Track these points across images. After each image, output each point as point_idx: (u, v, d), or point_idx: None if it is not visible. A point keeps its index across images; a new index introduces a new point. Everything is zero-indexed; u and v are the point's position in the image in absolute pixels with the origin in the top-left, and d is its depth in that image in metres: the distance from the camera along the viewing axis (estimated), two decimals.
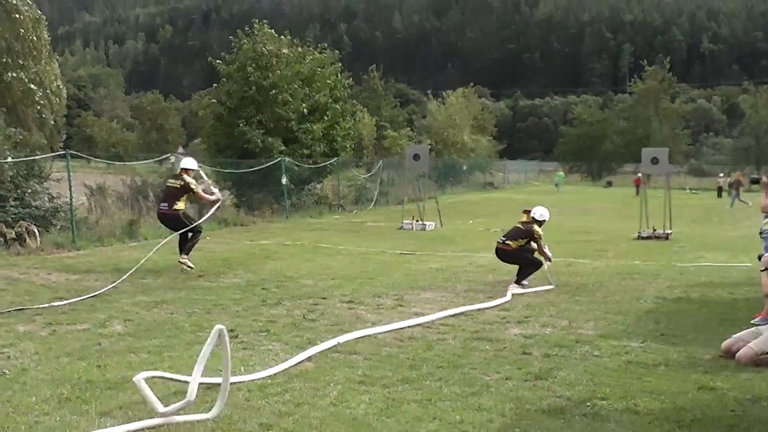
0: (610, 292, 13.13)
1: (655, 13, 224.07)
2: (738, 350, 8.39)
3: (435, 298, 12.22)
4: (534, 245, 13.62)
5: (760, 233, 11.16)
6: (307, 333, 9.57)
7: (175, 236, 14.98)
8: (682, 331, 9.94)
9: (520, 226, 13.79)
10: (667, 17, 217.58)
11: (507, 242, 13.67)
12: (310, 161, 30.62)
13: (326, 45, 35.06)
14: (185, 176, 14.69)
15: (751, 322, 10.15)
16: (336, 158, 32.25)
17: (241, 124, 29.54)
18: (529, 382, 7.55)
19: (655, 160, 22.85)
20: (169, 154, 28.24)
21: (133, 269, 13.87)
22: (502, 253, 13.70)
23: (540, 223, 13.79)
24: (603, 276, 15.04)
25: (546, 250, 13.73)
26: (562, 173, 65.42)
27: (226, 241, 18.48)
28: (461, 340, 9.32)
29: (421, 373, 7.78)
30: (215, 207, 15.86)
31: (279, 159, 28.15)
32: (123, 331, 9.61)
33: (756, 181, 11.73)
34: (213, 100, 31.63)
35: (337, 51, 34.88)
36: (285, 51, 31.41)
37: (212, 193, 15.51)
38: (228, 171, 28.28)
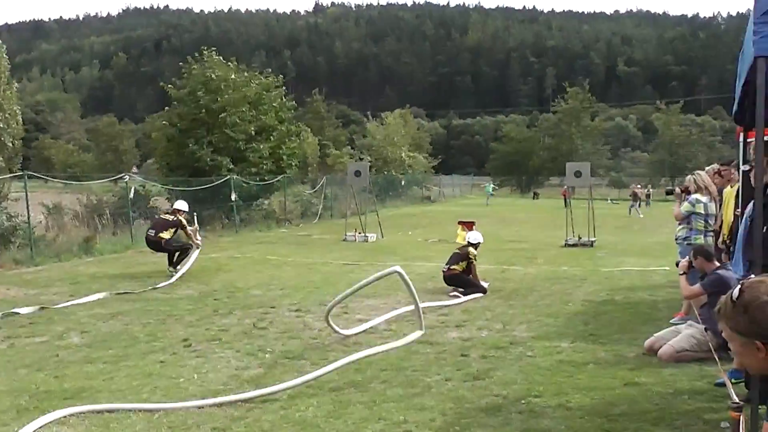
0: (541, 296, 13.19)
1: (574, 39, 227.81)
2: (660, 348, 8.45)
3: (378, 305, 12.14)
4: (473, 267, 13.69)
5: (675, 239, 11.32)
6: (258, 341, 9.43)
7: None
8: (608, 331, 10.00)
9: (458, 251, 14.04)
10: (586, 43, 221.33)
11: (452, 267, 13.71)
12: (258, 178, 30.39)
13: (271, 70, 34.91)
14: (179, 215, 16.44)
15: (671, 321, 10.28)
16: (282, 175, 32.05)
17: (191, 145, 29.23)
18: (468, 382, 7.51)
19: (578, 174, 23.09)
20: (123, 174, 27.78)
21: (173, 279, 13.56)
22: (450, 279, 13.65)
23: (475, 246, 13.98)
24: (534, 281, 15.11)
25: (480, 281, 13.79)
26: (490, 186, 65.77)
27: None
28: (404, 344, 9.24)
29: (367, 376, 7.70)
30: (196, 252, 16.51)
31: (228, 177, 27.88)
32: (80, 343, 9.37)
33: (670, 192, 11.92)
34: (165, 123, 31.23)
35: (281, 76, 34.67)
36: (233, 76, 31.20)
37: (196, 238, 16.81)
38: (180, 189, 27.93)
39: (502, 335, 9.82)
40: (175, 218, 16.44)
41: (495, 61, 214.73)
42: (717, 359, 7.52)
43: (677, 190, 11.73)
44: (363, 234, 25.02)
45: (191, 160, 29.42)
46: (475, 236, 14.32)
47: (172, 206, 17.24)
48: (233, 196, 27.74)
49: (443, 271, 13.89)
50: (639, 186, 54.00)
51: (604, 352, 8.80)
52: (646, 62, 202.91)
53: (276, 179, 31.52)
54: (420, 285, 14.51)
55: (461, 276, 13.56)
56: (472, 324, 10.59)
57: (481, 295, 13.15)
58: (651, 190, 60.95)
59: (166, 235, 16.12)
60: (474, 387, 7.33)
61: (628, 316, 11.03)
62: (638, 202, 44.24)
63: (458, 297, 12.91)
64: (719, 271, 8.45)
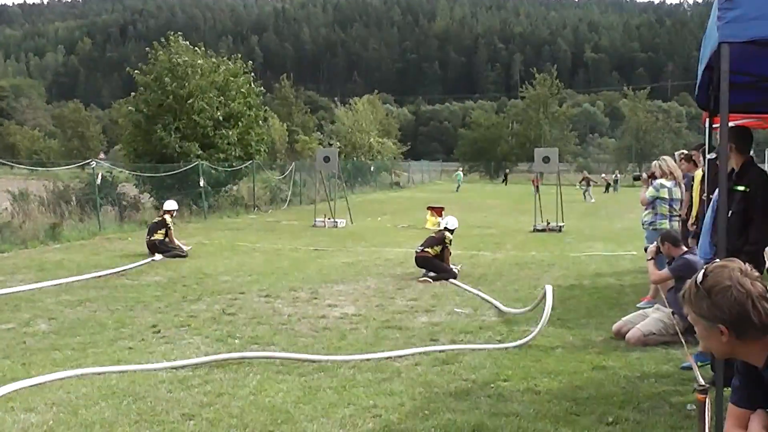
0: (509, 281, 13.26)
1: (542, 25, 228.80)
2: (627, 332, 8.53)
3: (347, 291, 12.13)
4: (446, 252, 13.76)
5: (642, 224, 11.46)
6: (227, 327, 9.39)
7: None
8: (576, 315, 10.08)
9: (434, 235, 14.16)
10: (553, 29, 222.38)
11: (426, 249, 13.73)
12: (226, 165, 30.20)
13: (239, 56, 34.64)
14: (166, 215, 17.14)
15: (637, 306, 10.38)
16: (251, 161, 31.88)
17: (159, 131, 28.94)
18: (437, 367, 7.53)
19: (546, 159, 23.20)
20: (90, 160, 27.47)
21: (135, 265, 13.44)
22: (422, 260, 13.65)
23: (451, 231, 14.11)
24: (502, 266, 15.19)
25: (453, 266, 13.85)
26: (461, 173, 65.98)
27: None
28: (373, 329, 9.26)
29: (336, 362, 7.69)
30: (176, 252, 16.72)
31: (196, 163, 27.68)
32: (47, 330, 9.27)
33: (638, 178, 12.04)
34: (132, 109, 30.85)
35: (249, 62, 34.42)
36: (200, 62, 30.92)
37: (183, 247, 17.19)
38: (147, 175, 27.72)
39: (471, 320, 9.86)
40: (162, 218, 17.13)
41: (463, 47, 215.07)
42: (683, 343, 7.60)
43: (644, 175, 11.86)
44: (333, 220, 24.98)
45: (159, 147, 29.17)
46: (452, 221, 14.43)
47: (162, 208, 18.15)
48: (201, 183, 27.57)
49: (416, 252, 13.91)
50: (584, 172, 54.33)
51: (571, 336, 8.86)
52: (612, 49, 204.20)
53: (244, 165, 31.35)
54: (389, 270, 14.55)
55: (433, 260, 13.59)
56: (441, 309, 10.62)
57: (452, 280, 13.19)
58: (618, 175, 61.38)
59: (158, 236, 16.65)
60: (443, 371, 7.36)
61: (596, 301, 11.12)
62: (590, 187, 44.63)
63: (428, 282, 12.97)
64: (686, 256, 8.53)
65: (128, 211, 26.22)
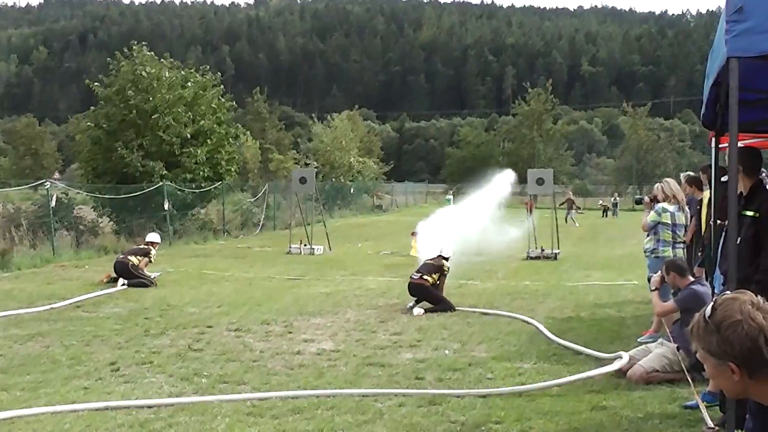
0: (501, 312, 13.24)
1: (535, 36, 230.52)
2: (629, 369, 8.51)
3: (325, 324, 12.08)
4: (443, 281, 13.89)
5: (644, 252, 11.47)
6: (193, 364, 9.32)
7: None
8: (574, 351, 10.05)
9: (431, 262, 14.11)
10: (548, 40, 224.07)
11: (424, 276, 13.71)
12: (194, 186, 30.14)
13: (208, 67, 34.65)
14: (151, 248, 17.58)
15: (639, 339, 10.39)
16: (220, 182, 31.85)
17: (120, 148, 28.86)
18: (423, 407, 7.49)
19: (540, 181, 23.31)
20: (44, 180, 27.35)
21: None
22: (418, 289, 13.60)
23: (446, 259, 14.15)
24: (493, 297, 15.17)
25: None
26: (451, 197, 66.01)
27: (106, 269, 17.95)
28: (353, 366, 9.22)
29: (312, 401, 7.64)
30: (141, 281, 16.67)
31: (161, 183, 27.60)
32: None
33: (639, 202, 12.09)
34: (91, 124, 30.78)
35: (219, 73, 34.46)
36: (166, 74, 30.91)
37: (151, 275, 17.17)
38: (107, 197, 27.58)
39: (460, 356, 9.83)
40: (147, 247, 17.61)
41: (451, 59, 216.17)
42: (690, 380, 7.60)
43: (646, 198, 11.88)
44: (309, 246, 24.93)
45: (120, 165, 29.07)
46: (446, 249, 14.40)
47: (146, 240, 18.38)
48: (166, 205, 27.46)
49: (412, 278, 13.85)
50: (569, 193, 54.48)
51: (568, 373, 8.84)
52: (611, 62, 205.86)
53: (213, 186, 31.30)
54: (371, 301, 14.52)
55: (430, 289, 13.59)
56: (427, 344, 10.59)
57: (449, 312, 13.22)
58: (618, 198, 61.63)
59: (134, 260, 16.83)
60: (429, 413, 7.32)
61: (595, 334, 11.12)
62: (572, 210, 44.78)
63: (420, 314, 12.95)
64: (693, 287, 8.56)
65: (85, 237, 26.09)
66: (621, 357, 8.88)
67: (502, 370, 8.99)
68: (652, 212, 11.13)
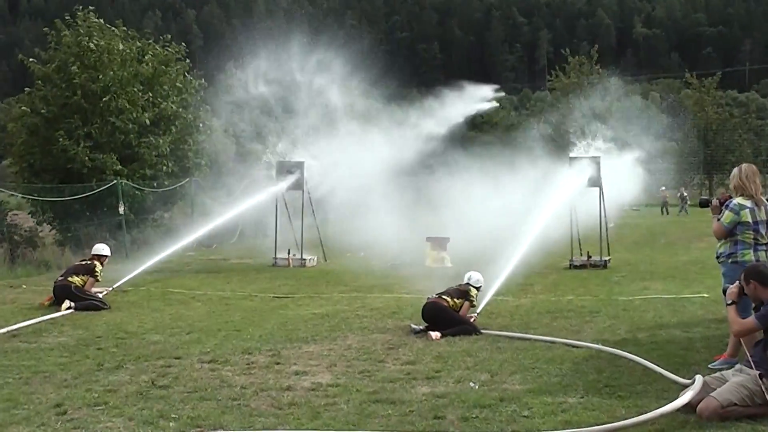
0: (539, 335, 13.23)
1: None
2: (699, 402, 8.47)
3: (321, 352, 12.08)
4: (465, 307, 13.96)
5: (717, 257, 11.34)
6: (158, 404, 9.31)
7: None
8: (629, 380, 10.04)
9: (457, 287, 14.32)
10: None
11: (444, 297, 13.87)
12: (155, 184, 30.17)
13: (170, 37, 34.67)
14: (96, 260, 17.71)
15: (710, 366, 10.36)
16: (188, 179, 31.87)
17: (62, 139, 28.86)
18: None
19: (585, 170, 23.32)
20: None
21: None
22: (434, 310, 13.68)
23: (477, 288, 14.40)
24: (529, 316, 15.16)
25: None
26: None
27: (48, 290, 17.96)
28: (356, 404, 9.21)
29: None
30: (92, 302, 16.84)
31: (114, 182, 27.62)
32: None
33: (706, 204, 11.97)
34: (25, 109, 30.85)
35: (183, 44, 34.49)
36: (120, 46, 30.91)
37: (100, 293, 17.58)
38: (47, 199, 27.58)
39: (489, 389, 9.82)
40: (91, 263, 17.68)
41: (470, 22, 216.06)
42: None
43: (714, 201, 11.67)
44: (299, 257, 24.95)
45: (63, 161, 29.09)
46: (476, 277, 14.58)
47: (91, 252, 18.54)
48: (121, 209, 27.49)
49: (428, 299, 13.97)
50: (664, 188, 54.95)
51: (624, 409, 8.82)
52: (671, 22, 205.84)
53: (179, 184, 31.33)
54: (376, 323, 14.54)
55: (448, 310, 13.68)
56: (448, 375, 10.58)
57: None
58: (684, 192, 61.58)
59: (77, 280, 16.99)
60: None
61: (655, 360, 11.08)
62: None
63: (439, 338, 12.98)
64: None
65: (22, 249, 26.11)
66: (694, 381, 8.86)
67: (541, 407, 8.97)
68: (727, 211, 10.90)
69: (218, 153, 38.63)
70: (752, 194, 10.84)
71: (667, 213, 53.89)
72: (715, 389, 8.56)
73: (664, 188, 59.63)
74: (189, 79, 32.84)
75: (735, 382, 8.55)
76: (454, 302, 13.82)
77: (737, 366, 9.09)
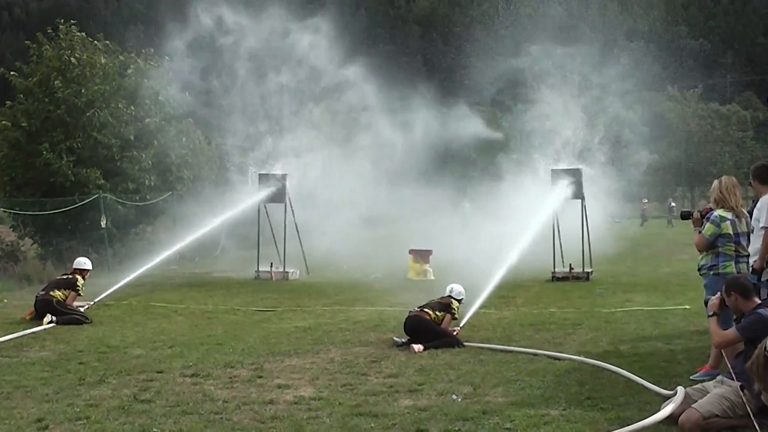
0: (521, 347, 13.24)
1: (556, 4, 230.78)
2: (681, 413, 8.48)
3: (304, 366, 12.06)
4: (447, 320, 13.99)
5: (699, 269, 11.38)
6: (140, 418, 9.28)
7: None
8: (611, 393, 10.06)
9: (439, 300, 14.38)
10: (573, 11, 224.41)
11: (425, 310, 13.92)
12: (138, 198, 30.11)
13: (152, 50, 34.62)
14: (78, 275, 17.64)
15: (692, 377, 10.39)
16: (170, 193, 31.83)
17: (45, 153, 28.80)
18: None
19: (568, 182, 23.40)
20: None
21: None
22: (416, 323, 13.72)
23: (459, 301, 14.44)
24: (512, 328, 15.19)
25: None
26: (466, 205, 65.43)
27: (30, 304, 17.90)
28: (338, 417, 9.20)
29: None
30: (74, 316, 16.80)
31: (96, 195, 27.55)
32: None
33: (687, 216, 12.01)
34: (7, 123, 30.77)
35: (166, 57, 34.43)
36: (102, 60, 30.88)
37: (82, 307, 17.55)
38: (29, 213, 27.50)
39: (471, 402, 9.82)
40: (72, 276, 17.64)
41: (453, 36, 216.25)
42: (756, 427, 7.60)
43: (696, 214, 11.72)
44: (281, 269, 24.93)
45: (45, 175, 29.02)
46: (457, 290, 14.63)
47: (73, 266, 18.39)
48: (103, 222, 27.43)
49: (410, 312, 14.01)
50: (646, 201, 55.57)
51: (606, 421, 8.83)
52: (651, 34, 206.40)
53: (162, 198, 31.28)
54: (359, 336, 14.54)
55: (430, 323, 13.72)
56: (431, 387, 10.58)
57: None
58: (672, 203, 61.89)
59: (59, 295, 17.00)
60: None
61: (637, 372, 11.10)
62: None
63: (421, 351, 12.99)
64: (761, 310, 8.55)
65: (3, 263, 26.03)
66: (676, 393, 8.88)
67: (524, 419, 8.98)
68: (708, 224, 10.98)
69: (201, 166, 38.65)
70: (733, 206, 10.91)
71: (645, 223, 54.39)
72: (696, 401, 8.57)
73: (646, 200, 59.95)
74: (172, 92, 32.76)
75: (716, 393, 8.56)
76: (436, 315, 13.85)
77: (718, 377, 9.10)
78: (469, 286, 15.54)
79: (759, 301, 8.81)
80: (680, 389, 8.94)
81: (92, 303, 18.10)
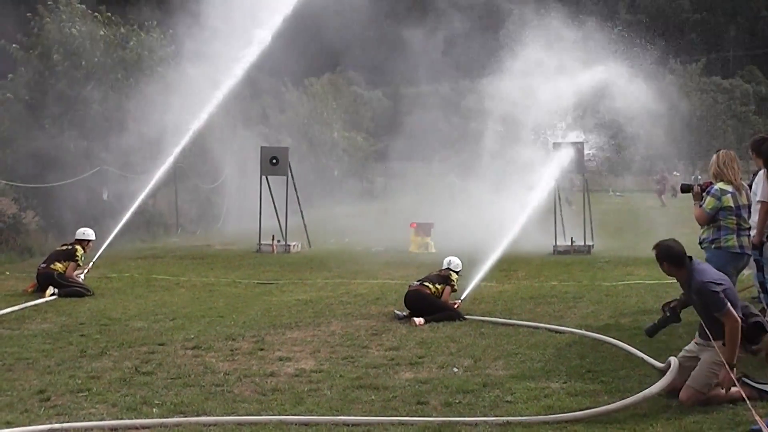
0: (522, 321, 13.26)
1: None
2: (682, 382, 8.51)
3: (305, 338, 12.09)
4: (447, 292, 14.03)
5: (700, 243, 11.35)
6: (141, 390, 9.31)
7: None
8: (612, 365, 10.08)
9: (437, 273, 14.44)
10: None
11: (425, 284, 13.95)
12: (138, 169, 30.05)
13: (155, 23, 34.44)
14: (78, 245, 17.40)
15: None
16: (171, 165, 31.74)
17: (47, 125, 28.74)
18: None
19: (568, 155, 23.36)
20: None
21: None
22: (416, 297, 13.77)
23: (456, 272, 14.45)
24: (512, 301, 15.22)
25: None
26: (455, 180, 65.54)
27: (32, 276, 17.89)
28: (339, 390, 9.22)
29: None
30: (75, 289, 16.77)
31: (98, 168, 27.50)
32: None
33: (688, 189, 11.93)
34: (9, 96, 30.65)
35: (170, 30, 34.22)
36: (101, 32, 30.76)
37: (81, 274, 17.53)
38: (31, 185, 27.44)
39: (472, 374, 9.84)
40: (72, 247, 17.40)
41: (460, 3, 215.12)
42: (746, 400, 7.62)
43: (696, 188, 11.64)
44: (283, 242, 24.92)
45: (47, 147, 28.95)
46: (455, 262, 14.66)
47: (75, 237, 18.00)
48: (105, 195, 27.38)
49: (410, 287, 14.04)
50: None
51: (607, 394, 8.86)
52: (654, 8, 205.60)
53: (163, 170, 31.18)
54: (360, 309, 14.56)
55: (430, 297, 13.76)
56: (431, 360, 10.60)
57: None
58: (676, 174, 62.02)
59: (59, 267, 16.85)
60: None
61: (637, 345, 11.10)
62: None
63: (422, 324, 13.03)
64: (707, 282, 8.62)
65: (5, 235, 25.99)
66: (670, 365, 8.89)
67: (524, 392, 9.00)
68: (708, 197, 10.92)
69: (205, 138, 38.58)
70: (731, 180, 10.88)
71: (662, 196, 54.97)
72: (690, 372, 8.58)
73: (665, 174, 60.49)
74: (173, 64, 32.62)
75: (706, 362, 8.55)
76: (436, 288, 13.89)
77: (696, 338, 9.11)
78: (472, 260, 15.59)
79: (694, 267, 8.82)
80: (673, 360, 8.93)
81: (90, 265, 18.06)
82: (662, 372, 9.07)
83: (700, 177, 60.21)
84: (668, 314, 9.10)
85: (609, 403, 8.35)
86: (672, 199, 49.47)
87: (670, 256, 8.86)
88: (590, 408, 8.24)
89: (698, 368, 8.56)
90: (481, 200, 25.61)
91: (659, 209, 44.74)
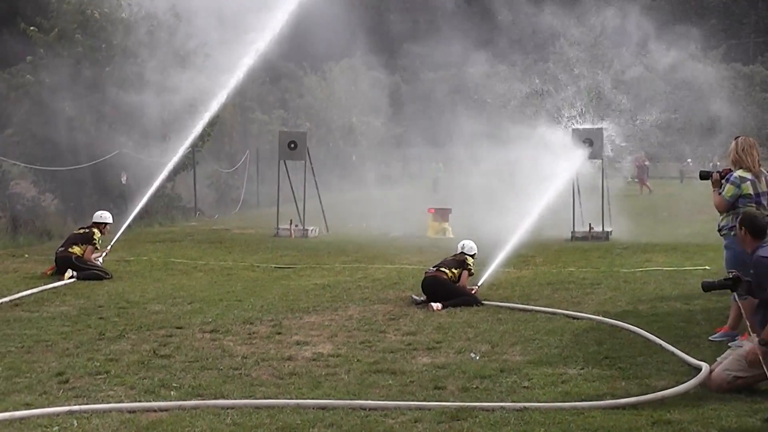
0: (540, 306, 13.24)
1: None
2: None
3: (322, 323, 12.10)
4: (464, 276, 14.02)
5: (719, 230, 11.31)
6: (159, 373, 9.34)
7: None
8: (630, 352, 10.06)
9: (453, 257, 14.45)
10: None
11: (441, 269, 13.94)
12: (158, 153, 30.08)
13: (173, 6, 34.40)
14: (95, 228, 17.40)
15: (710, 338, 10.39)
16: (189, 149, 31.79)
17: (67, 109, 28.80)
18: (444, 423, 7.51)
19: (588, 142, 23.25)
20: None
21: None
22: (434, 283, 13.77)
23: (471, 256, 14.41)
24: (530, 287, 15.20)
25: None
26: (440, 166, 65.14)
27: (51, 259, 17.94)
28: (357, 374, 9.24)
29: (307, 418, 7.65)
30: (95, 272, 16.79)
31: (117, 152, 27.55)
32: None
33: (706, 176, 11.86)
34: (29, 78, 30.69)
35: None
36: (123, 15, 30.75)
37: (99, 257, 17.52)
38: (50, 168, 27.51)
39: (489, 360, 9.84)
40: (89, 231, 17.40)
41: None
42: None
43: (715, 175, 11.56)
44: (301, 227, 24.94)
45: (66, 131, 29.00)
46: (469, 246, 14.65)
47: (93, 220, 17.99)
48: (123, 179, 27.43)
49: (427, 273, 14.06)
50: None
51: (624, 380, 8.85)
52: None
53: (182, 154, 31.22)
54: (378, 294, 14.56)
55: (448, 282, 13.74)
56: (449, 345, 10.60)
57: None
58: (689, 162, 61.75)
59: (77, 250, 16.84)
60: (452, 429, 7.33)
61: (656, 332, 11.09)
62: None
63: (440, 309, 13.04)
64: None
65: (24, 219, 26.05)
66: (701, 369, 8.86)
67: (542, 378, 9.00)
68: (728, 185, 10.86)
69: (222, 122, 38.56)
70: (750, 167, 10.83)
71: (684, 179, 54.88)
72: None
73: (689, 160, 60.22)
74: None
75: (739, 353, 8.53)
76: (453, 273, 13.88)
77: (737, 341, 9.12)
78: (490, 246, 15.61)
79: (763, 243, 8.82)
80: (705, 366, 8.87)
81: (108, 249, 18.09)
82: (683, 362, 9.13)
83: (719, 164, 59.91)
84: (730, 277, 9.03)
85: (627, 390, 8.36)
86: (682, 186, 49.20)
87: (753, 225, 8.99)
88: (614, 398, 8.25)
89: (730, 358, 8.53)
90: (499, 187, 25.53)
91: (677, 196, 44.40)
